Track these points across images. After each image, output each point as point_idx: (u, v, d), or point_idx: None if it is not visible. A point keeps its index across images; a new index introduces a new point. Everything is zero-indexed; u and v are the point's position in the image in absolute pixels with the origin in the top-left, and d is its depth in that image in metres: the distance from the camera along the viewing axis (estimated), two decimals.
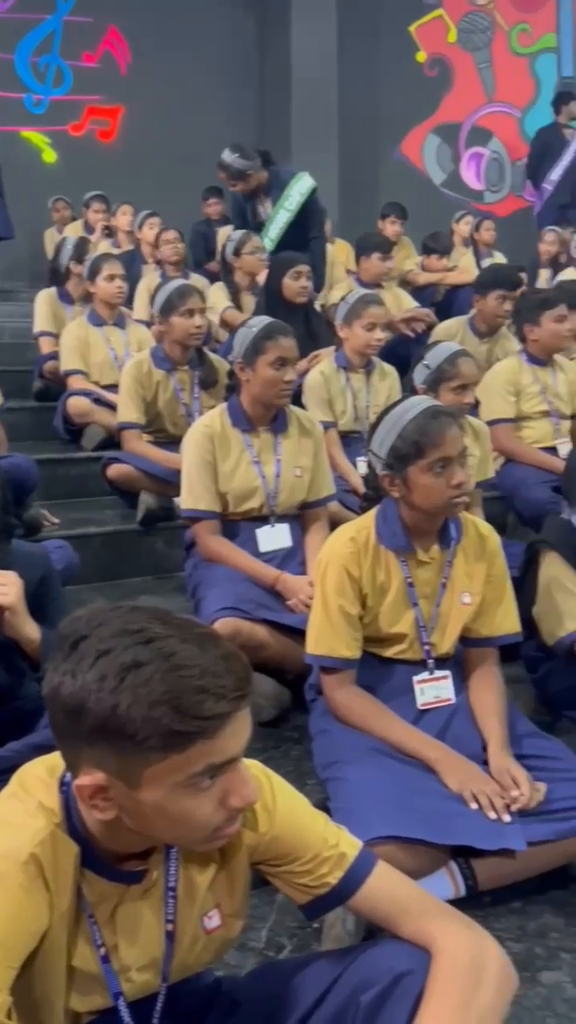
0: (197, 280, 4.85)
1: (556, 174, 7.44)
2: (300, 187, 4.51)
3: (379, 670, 1.94)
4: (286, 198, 4.51)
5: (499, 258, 6.52)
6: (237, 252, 4.50)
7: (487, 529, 2.02)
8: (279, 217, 4.52)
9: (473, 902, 1.72)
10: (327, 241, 5.68)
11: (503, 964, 1.01)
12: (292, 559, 2.57)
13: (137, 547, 3.32)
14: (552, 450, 3.45)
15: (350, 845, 1.09)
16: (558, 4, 8.52)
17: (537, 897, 1.76)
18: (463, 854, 1.71)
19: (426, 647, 1.94)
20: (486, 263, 6.39)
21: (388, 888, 1.07)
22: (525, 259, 6.73)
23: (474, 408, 3.37)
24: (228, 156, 4.56)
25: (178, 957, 1.05)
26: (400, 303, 4.92)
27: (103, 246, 5.95)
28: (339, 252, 5.99)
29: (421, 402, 1.94)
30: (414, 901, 1.07)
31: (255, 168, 4.57)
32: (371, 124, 7.92)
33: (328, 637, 1.88)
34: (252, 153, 4.59)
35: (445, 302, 5.62)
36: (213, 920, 1.07)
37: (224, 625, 2.22)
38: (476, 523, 2.02)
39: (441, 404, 1.98)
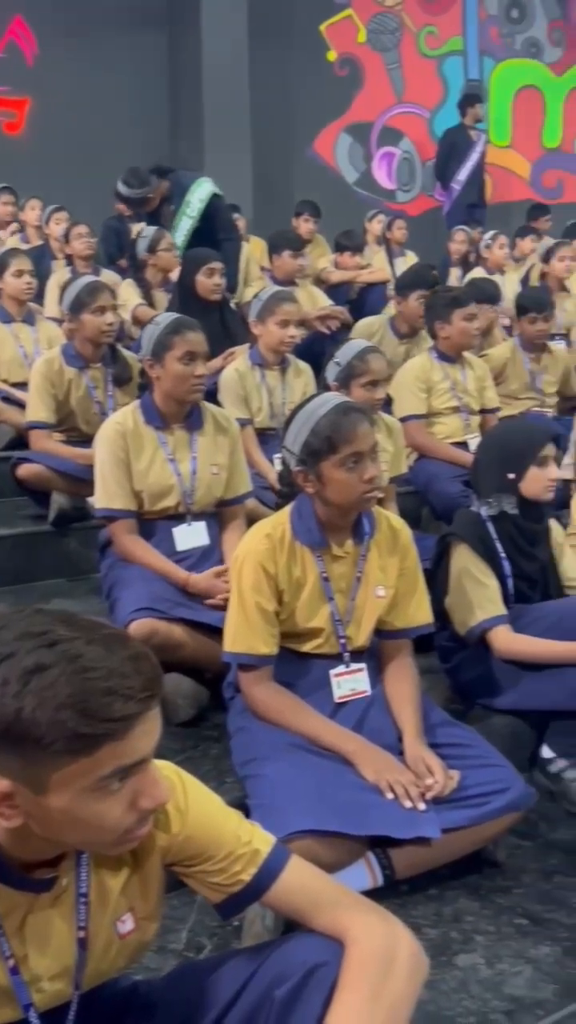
0: (108, 276, 4.77)
1: (463, 174, 7.62)
2: (200, 193, 4.52)
3: (296, 665, 1.95)
4: (187, 204, 4.52)
5: (411, 257, 6.64)
6: (152, 249, 4.44)
7: (399, 523, 2.05)
8: (182, 224, 4.52)
9: (391, 891, 1.75)
10: (242, 240, 5.70)
11: (414, 951, 1.03)
12: (209, 557, 2.56)
13: (50, 549, 3.25)
14: (463, 445, 3.53)
15: (263, 841, 1.09)
16: (464, 8, 8.70)
17: (453, 883, 1.80)
18: (380, 844, 1.73)
19: (342, 641, 1.95)
20: (398, 262, 6.50)
21: (301, 882, 1.07)
22: (436, 258, 6.86)
23: (387, 404, 3.43)
24: (124, 190, 4.61)
25: (91, 964, 1.03)
26: (315, 301, 4.95)
27: (12, 241, 5.80)
28: (254, 249, 5.98)
29: (332, 398, 1.96)
30: (327, 893, 1.07)
31: (153, 189, 4.58)
32: (284, 122, 7.93)
33: (245, 634, 1.88)
34: (145, 175, 4.60)
35: (358, 300, 5.68)
36: (127, 924, 1.05)
37: (140, 626, 2.19)
38: (389, 517, 2.05)
39: (352, 400, 2.00)
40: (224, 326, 3.93)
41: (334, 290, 5.66)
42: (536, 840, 1.97)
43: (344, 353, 2.77)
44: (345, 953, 1.00)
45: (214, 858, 1.06)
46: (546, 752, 2.19)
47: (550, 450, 2.29)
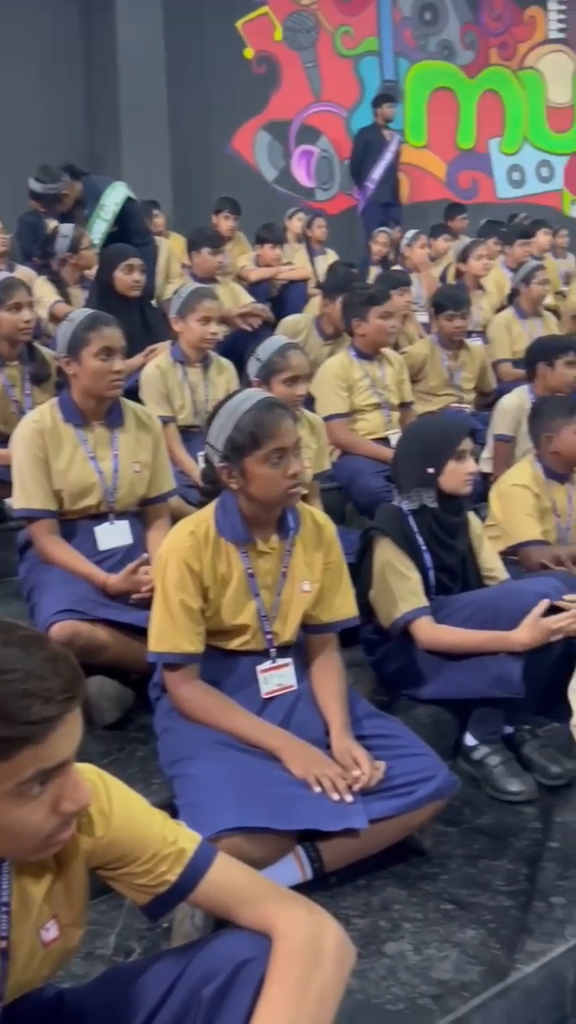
0: (24, 273, 4.66)
1: (377, 173, 7.71)
2: (115, 196, 4.54)
3: (222, 663, 1.94)
4: (101, 208, 4.54)
5: (331, 255, 6.68)
6: (75, 248, 4.35)
7: (323, 518, 2.07)
8: (96, 227, 4.51)
9: (320, 884, 1.76)
10: (160, 238, 5.66)
11: (341, 940, 1.04)
12: (133, 556, 2.52)
13: None
14: (385, 441, 3.57)
15: (189, 840, 1.08)
16: (378, 9, 8.79)
17: (381, 872, 1.82)
18: (309, 838, 1.74)
19: (268, 636, 1.96)
20: (319, 260, 6.54)
21: (227, 879, 1.07)
22: (355, 256, 6.93)
23: (308, 402, 3.45)
24: (37, 186, 4.65)
25: (14, 975, 1.00)
26: (237, 298, 4.94)
27: None
28: (174, 246, 5.94)
29: (255, 394, 1.96)
30: (253, 889, 1.07)
31: (67, 185, 4.61)
32: (202, 118, 7.88)
33: (170, 633, 1.87)
34: (58, 172, 4.64)
35: (280, 298, 5.68)
36: (50, 932, 1.03)
37: (62, 628, 2.15)
38: (313, 513, 2.06)
39: (275, 396, 2.00)
40: (145, 323, 3.88)
41: (255, 287, 5.66)
42: (461, 826, 2.01)
43: (265, 349, 2.77)
44: (272, 947, 1.00)
45: (139, 859, 1.05)
46: (469, 740, 2.24)
47: (467, 444, 2.34)
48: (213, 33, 7.93)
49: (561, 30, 9.79)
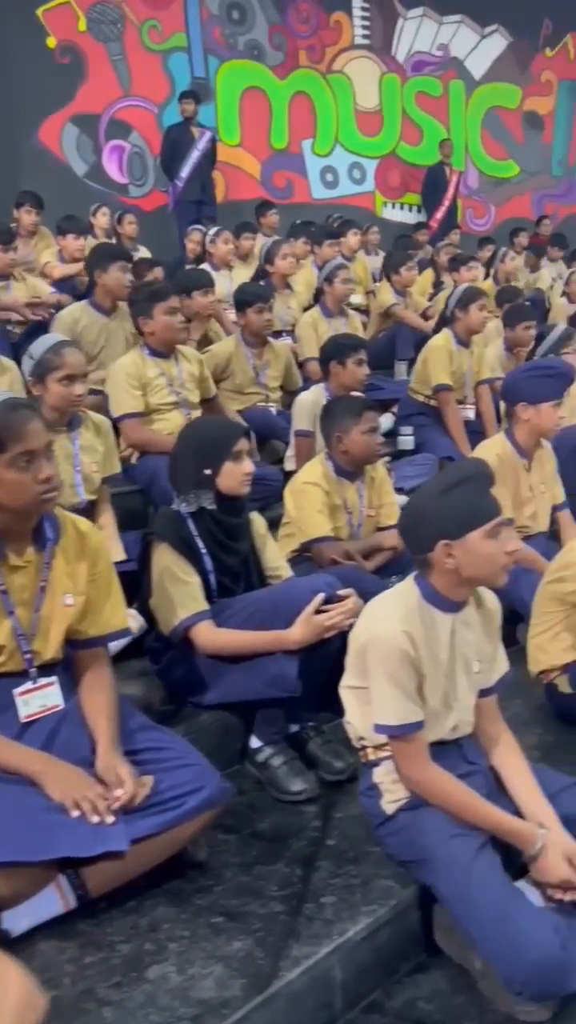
0: None
1: (185, 171, 7.65)
2: None
3: None
4: None
5: (143, 252, 6.54)
6: None
7: (87, 526, 1.96)
8: None
9: (88, 911, 1.68)
10: None
11: (23, 992, 0.96)
12: None
13: None
14: None
15: None
16: (185, 5, 8.69)
17: (152, 891, 1.75)
18: (72, 865, 1.65)
19: (27, 656, 1.84)
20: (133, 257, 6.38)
21: None
22: (170, 253, 6.83)
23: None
24: None
25: None
26: (37, 293, 4.74)
27: None
28: None
29: None
30: None
31: None
32: (3, 107, 7.52)
33: None
34: None
35: (88, 294, 5.50)
36: None
37: None
38: (75, 521, 1.95)
39: (20, 397, 1.88)
40: None
41: (63, 283, 5.45)
42: (241, 833, 1.97)
43: (38, 347, 2.64)
44: None
45: None
46: (254, 742, 2.21)
47: (243, 445, 2.31)
48: (11, 19, 7.57)
49: (366, 36, 10.06)
